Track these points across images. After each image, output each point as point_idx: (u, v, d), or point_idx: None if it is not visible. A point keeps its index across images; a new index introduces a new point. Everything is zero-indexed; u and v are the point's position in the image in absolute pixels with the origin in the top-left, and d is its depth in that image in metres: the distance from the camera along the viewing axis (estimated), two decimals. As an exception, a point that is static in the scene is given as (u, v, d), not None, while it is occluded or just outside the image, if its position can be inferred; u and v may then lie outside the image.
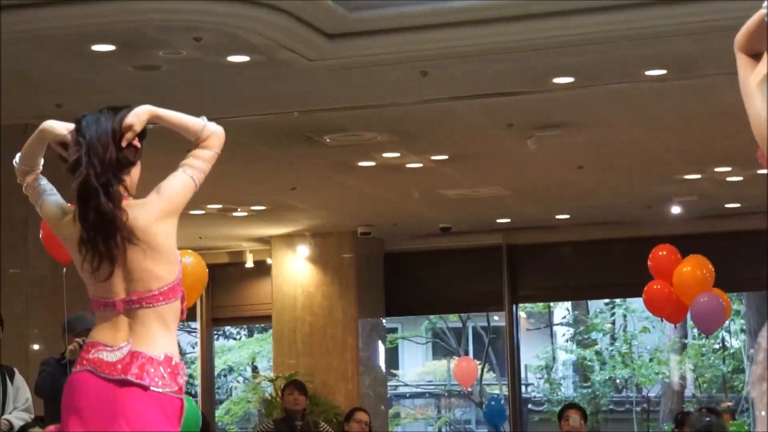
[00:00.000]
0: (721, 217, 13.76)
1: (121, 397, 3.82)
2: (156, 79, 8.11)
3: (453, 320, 25.13)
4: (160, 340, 3.89)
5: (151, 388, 3.82)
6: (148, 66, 7.81)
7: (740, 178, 11.70)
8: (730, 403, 23.24)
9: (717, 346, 23.51)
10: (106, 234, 3.82)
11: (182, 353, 24.94)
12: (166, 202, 3.94)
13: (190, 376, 23.60)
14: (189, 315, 14.63)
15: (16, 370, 7.97)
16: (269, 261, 14.91)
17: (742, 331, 22.41)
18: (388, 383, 19.92)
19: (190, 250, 11.52)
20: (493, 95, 8.86)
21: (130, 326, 3.88)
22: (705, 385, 23.60)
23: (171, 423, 3.87)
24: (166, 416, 3.85)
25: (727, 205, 13.40)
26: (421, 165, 10.94)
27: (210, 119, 4.02)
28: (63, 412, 3.89)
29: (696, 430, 8.96)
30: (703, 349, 23.06)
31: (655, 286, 10.84)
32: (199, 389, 16.45)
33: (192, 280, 11.57)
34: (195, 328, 17.81)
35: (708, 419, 9.19)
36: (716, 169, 11.42)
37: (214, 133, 4.12)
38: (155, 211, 3.90)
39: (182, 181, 3.99)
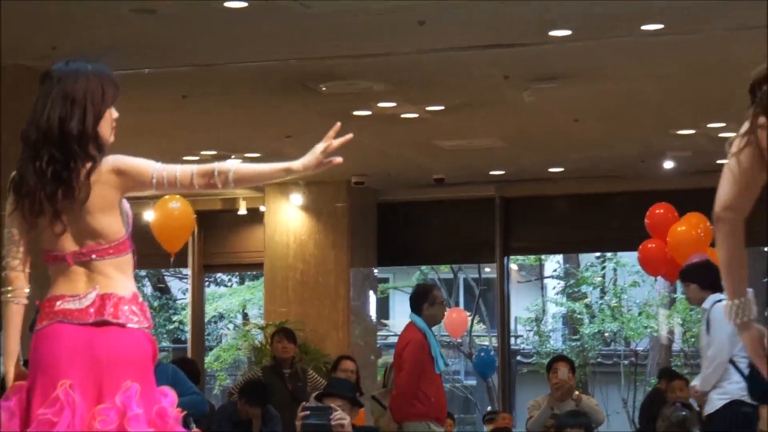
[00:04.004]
0: (715, 173, 13.71)
1: (99, 338, 3.86)
2: (152, 23, 8.08)
3: (445, 271, 25.19)
4: (123, 283, 3.96)
5: (128, 326, 3.88)
6: (144, 9, 7.77)
7: (734, 134, 11.69)
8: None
9: (706, 302, 23.59)
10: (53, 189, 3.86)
11: (173, 299, 25.05)
12: (120, 169, 3.91)
13: (180, 322, 23.72)
14: (180, 261, 14.69)
15: None
16: (262, 209, 14.91)
17: (732, 287, 22.44)
18: (379, 333, 20.00)
19: (177, 195, 11.57)
20: (490, 47, 8.84)
21: (88, 276, 3.94)
22: (693, 339, 23.70)
23: (150, 359, 3.93)
24: (145, 352, 3.91)
25: (719, 162, 13.39)
26: (416, 115, 10.93)
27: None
28: (31, 368, 3.90)
29: (671, 424, 9.04)
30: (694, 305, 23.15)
31: (650, 245, 10.85)
32: (189, 336, 16.50)
33: (179, 225, 11.65)
34: (186, 275, 17.83)
35: (683, 413, 9.27)
36: (710, 125, 11.42)
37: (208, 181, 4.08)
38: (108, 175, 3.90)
39: (144, 162, 3.97)
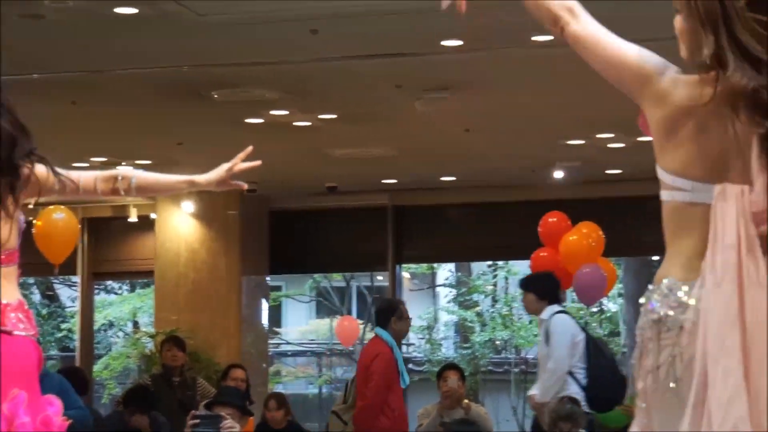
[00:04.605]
0: (603, 183, 13.97)
1: None
2: (41, 28, 7.97)
3: (337, 279, 25.20)
4: (10, 291, 3.91)
5: (15, 333, 3.83)
6: (33, 14, 7.67)
7: (622, 145, 11.88)
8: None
9: (595, 310, 23.90)
10: None
11: (62, 307, 24.73)
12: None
13: (69, 330, 23.40)
14: (69, 268, 14.52)
15: None
16: (153, 216, 14.80)
17: (620, 295, 22.80)
18: (271, 341, 19.93)
19: (62, 206, 11.43)
20: (382, 56, 8.88)
21: None
22: (582, 348, 23.99)
23: (36, 367, 3.89)
24: (31, 360, 3.87)
25: (608, 171, 13.60)
26: (309, 123, 10.93)
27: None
28: None
29: (558, 417, 9.17)
30: (581, 312, 23.42)
31: (541, 254, 10.95)
32: (77, 344, 16.29)
33: (63, 236, 11.50)
34: (75, 282, 17.62)
35: (569, 406, 9.42)
36: (599, 135, 11.58)
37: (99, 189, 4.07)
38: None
39: (45, 168, 3.94)
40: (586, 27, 3.20)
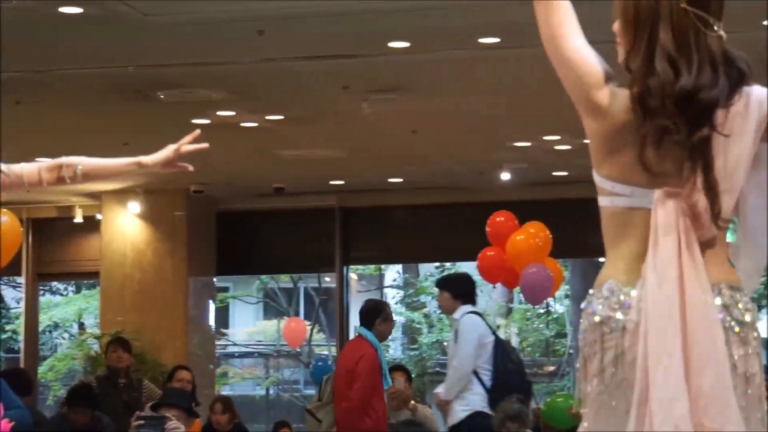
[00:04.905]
0: (550, 185, 14.03)
1: None
2: (-15, 28, 7.90)
3: (285, 281, 25.16)
4: None
5: None
6: (-24, 14, 7.61)
7: (569, 147, 11.94)
8: (552, 367, 23.85)
9: (541, 311, 24.01)
10: None
11: (6, 308, 24.52)
12: None
13: (14, 331, 23.22)
14: (13, 269, 14.41)
15: None
16: (99, 217, 14.71)
17: (567, 296, 22.92)
18: (218, 342, 19.87)
19: (5, 209, 11.33)
20: (329, 57, 8.87)
21: None
22: (529, 348, 24.09)
23: None
24: None
25: (555, 173, 13.67)
26: (256, 124, 10.90)
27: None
28: None
29: (506, 416, 9.22)
30: (528, 313, 23.53)
31: (488, 253, 10.97)
32: (22, 345, 16.17)
33: (6, 240, 11.38)
34: (20, 283, 17.47)
35: (517, 406, 9.49)
36: (546, 138, 11.64)
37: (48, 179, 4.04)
38: None
39: None
40: (559, 11, 3.11)
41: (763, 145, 3.12)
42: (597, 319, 3.07)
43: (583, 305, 3.14)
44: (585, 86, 3.08)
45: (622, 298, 3.05)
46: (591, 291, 3.13)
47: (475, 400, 8.60)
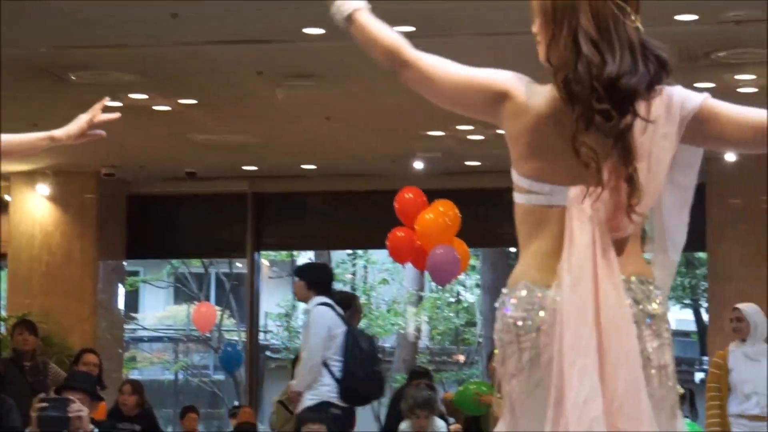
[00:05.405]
0: (463, 174, 14.10)
1: None
2: None
3: (196, 266, 25.04)
4: None
5: None
6: None
7: (482, 137, 12.01)
8: (461, 356, 24.01)
9: (452, 300, 24.15)
10: None
11: None
12: None
13: None
14: None
15: None
16: (7, 198, 14.53)
17: (477, 286, 23.06)
18: (127, 327, 19.73)
19: None
20: (244, 42, 8.84)
21: None
22: (439, 337, 24.23)
23: None
24: None
25: (467, 163, 13.74)
26: (169, 108, 10.84)
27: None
28: None
29: (416, 404, 9.30)
30: (439, 302, 23.65)
31: (398, 233, 10.96)
32: (-74, 328, 15.94)
33: None
34: (-74, 264, 17.22)
35: (426, 393, 9.58)
36: (459, 127, 11.69)
37: None
38: None
39: None
40: (426, 59, 3.20)
41: (680, 145, 3.14)
42: (511, 320, 3.07)
43: (497, 304, 3.13)
44: (499, 92, 3.11)
45: (536, 297, 3.05)
46: (504, 290, 3.13)
47: (324, 390, 8.64)
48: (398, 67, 3.20)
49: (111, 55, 9.15)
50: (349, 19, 3.24)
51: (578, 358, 2.93)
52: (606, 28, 3.01)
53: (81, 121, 3.93)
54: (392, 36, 3.22)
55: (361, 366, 8.77)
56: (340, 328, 8.82)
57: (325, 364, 8.68)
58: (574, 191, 3.02)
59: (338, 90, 10.28)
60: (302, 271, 9.44)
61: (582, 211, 3.00)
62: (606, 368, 2.94)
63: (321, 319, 8.79)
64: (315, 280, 9.05)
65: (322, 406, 8.57)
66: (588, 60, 2.98)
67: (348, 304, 9.42)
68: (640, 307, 3.05)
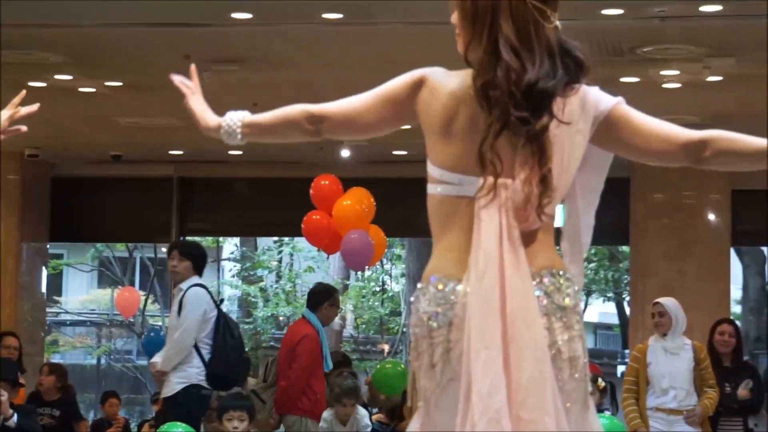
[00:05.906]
0: (389, 163, 14.12)
1: None
2: None
3: (120, 250, 24.88)
4: None
5: None
6: None
7: (408, 126, 12.01)
8: (386, 345, 24.06)
9: (377, 289, 24.19)
10: None
11: None
12: None
13: None
14: None
15: None
16: (-71, 178, 14.34)
17: (403, 275, 23.12)
18: (49, 310, 19.56)
19: None
20: (171, 24, 8.79)
21: None
22: (363, 326, 24.27)
23: None
24: None
25: (394, 152, 13.76)
26: (94, 90, 10.75)
27: None
28: None
29: (342, 392, 9.35)
30: (364, 291, 23.68)
31: (314, 217, 10.97)
32: None
33: None
34: None
35: (351, 381, 9.64)
36: (386, 116, 11.68)
37: None
38: None
39: None
40: (336, 104, 3.25)
41: (591, 146, 3.17)
42: (425, 315, 3.09)
43: (412, 299, 3.15)
44: (406, 93, 3.18)
45: (448, 292, 3.06)
46: (419, 285, 3.14)
47: (193, 372, 8.64)
48: (317, 123, 3.25)
49: (36, 35, 9.05)
50: (243, 128, 3.27)
51: (483, 348, 2.94)
52: (526, 34, 3.03)
53: (2, 117, 3.89)
54: (291, 108, 3.29)
55: (233, 351, 8.78)
56: (214, 312, 8.79)
57: (196, 347, 8.65)
58: (482, 182, 3.02)
59: (266, 75, 10.25)
60: (189, 251, 9.24)
61: (490, 203, 3.01)
62: (511, 359, 2.95)
63: (198, 300, 8.72)
64: (199, 262, 9.02)
65: (191, 389, 8.56)
66: (507, 66, 3.00)
67: (326, 296, 9.46)
68: (551, 299, 3.07)
